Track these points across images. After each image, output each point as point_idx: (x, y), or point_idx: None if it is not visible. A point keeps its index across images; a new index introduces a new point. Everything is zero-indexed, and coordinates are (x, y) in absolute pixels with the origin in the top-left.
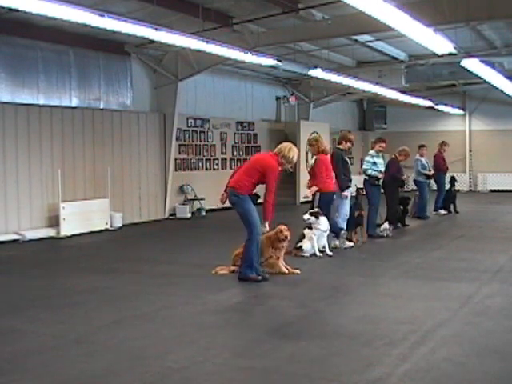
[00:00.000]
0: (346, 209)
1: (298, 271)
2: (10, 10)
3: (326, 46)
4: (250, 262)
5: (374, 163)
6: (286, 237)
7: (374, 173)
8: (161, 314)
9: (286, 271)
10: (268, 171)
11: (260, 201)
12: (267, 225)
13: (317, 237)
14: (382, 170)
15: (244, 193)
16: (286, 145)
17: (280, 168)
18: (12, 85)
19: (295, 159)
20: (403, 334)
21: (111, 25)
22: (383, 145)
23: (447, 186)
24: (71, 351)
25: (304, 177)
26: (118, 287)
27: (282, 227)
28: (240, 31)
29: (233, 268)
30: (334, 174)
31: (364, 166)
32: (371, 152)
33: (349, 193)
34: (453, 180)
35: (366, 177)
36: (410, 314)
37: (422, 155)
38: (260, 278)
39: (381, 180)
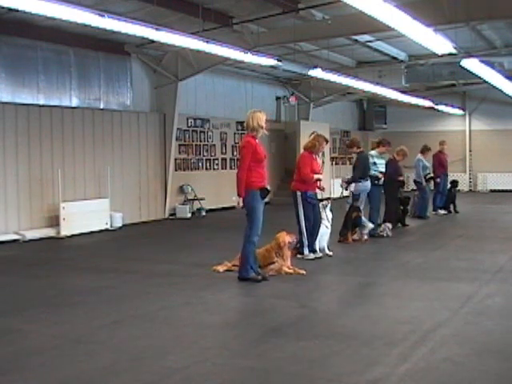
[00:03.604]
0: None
1: (303, 271)
2: (10, 10)
3: (326, 46)
4: (246, 261)
5: (375, 163)
6: (285, 243)
7: (374, 173)
8: (161, 314)
9: (292, 271)
10: (242, 149)
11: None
12: (240, 201)
13: (319, 236)
14: (383, 170)
15: (250, 187)
16: (248, 115)
17: (257, 139)
18: (12, 85)
19: (263, 122)
20: (403, 334)
21: (111, 25)
22: (389, 148)
23: (448, 186)
24: (71, 351)
25: None
26: (118, 287)
27: (279, 235)
28: (240, 31)
29: (233, 262)
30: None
31: None
32: (372, 152)
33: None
34: (454, 182)
35: None
36: (409, 314)
37: (424, 156)
38: (260, 277)
39: (381, 180)
